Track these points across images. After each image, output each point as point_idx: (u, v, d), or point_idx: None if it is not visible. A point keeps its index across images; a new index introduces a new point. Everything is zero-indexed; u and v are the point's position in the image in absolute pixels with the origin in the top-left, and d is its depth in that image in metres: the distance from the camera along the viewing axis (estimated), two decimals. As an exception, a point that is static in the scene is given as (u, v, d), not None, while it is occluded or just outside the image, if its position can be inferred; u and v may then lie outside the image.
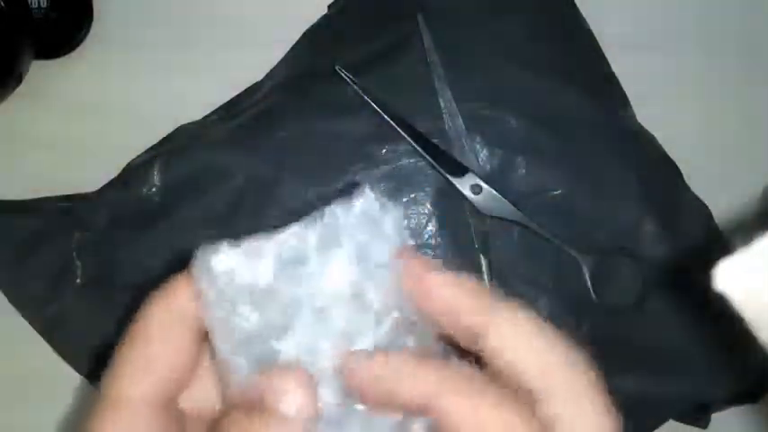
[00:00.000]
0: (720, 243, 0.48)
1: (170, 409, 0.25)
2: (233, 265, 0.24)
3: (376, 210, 0.25)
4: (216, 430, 0.23)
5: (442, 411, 0.23)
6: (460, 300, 0.24)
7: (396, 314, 0.24)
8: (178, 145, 0.49)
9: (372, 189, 0.25)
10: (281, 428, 0.22)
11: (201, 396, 0.26)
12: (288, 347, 0.24)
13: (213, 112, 0.51)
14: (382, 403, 0.23)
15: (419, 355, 0.24)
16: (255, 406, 0.23)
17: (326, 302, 0.24)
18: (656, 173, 0.48)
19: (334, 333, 0.24)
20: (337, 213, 0.24)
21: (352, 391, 0.24)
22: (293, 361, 0.24)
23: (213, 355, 0.25)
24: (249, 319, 0.24)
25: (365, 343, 0.24)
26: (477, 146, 0.47)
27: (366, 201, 0.25)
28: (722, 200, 0.49)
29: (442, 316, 0.25)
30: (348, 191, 0.25)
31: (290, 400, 0.22)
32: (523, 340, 0.24)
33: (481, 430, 0.22)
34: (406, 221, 0.25)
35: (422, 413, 0.23)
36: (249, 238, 0.25)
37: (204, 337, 0.25)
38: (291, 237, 0.24)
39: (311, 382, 0.23)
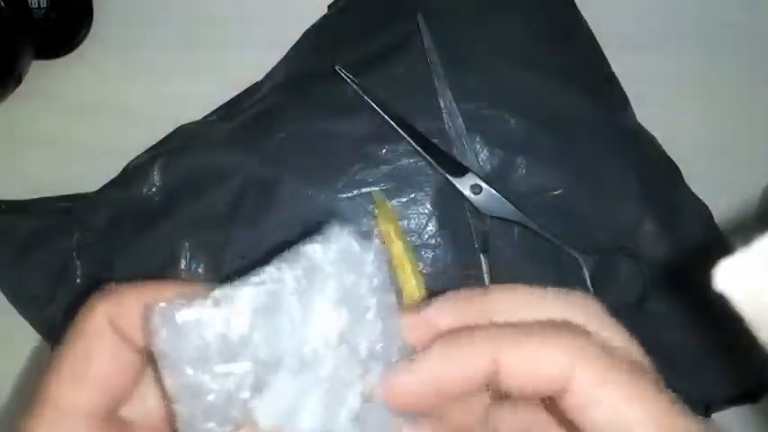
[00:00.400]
0: (720, 243, 0.48)
1: (111, 420, 0.24)
2: (201, 318, 0.21)
3: (355, 248, 0.22)
4: None
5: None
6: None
7: (382, 361, 0.22)
8: (178, 145, 0.49)
9: (342, 226, 0.22)
10: None
11: (146, 407, 0.25)
12: (265, 408, 0.21)
13: (213, 112, 0.51)
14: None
15: None
16: None
17: (309, 353, 0.22)
18: (656, 173, 0.48)
19: (319, 387, 0.22)
20: (314, 253, 0.22)
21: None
22: (269, 426, 0.21)
23: (170, 408, 0.22)
24: (220, 378, 0.21)
25: (353, 395, 0.22)
26: (477, 146, 0.47)
27: (341, 240, 0.22)
28: (722, 200, 0.49)
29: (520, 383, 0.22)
30: (317, 228, 0.22)
31: None
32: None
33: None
34: (381, 256, 0.22)
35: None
36: (217, 284, 0.22)
37: (150, 356, 0.23)
38: (267, 280, 0.22)
39: None
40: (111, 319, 0.23)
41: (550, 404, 0.23)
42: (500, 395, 0.23)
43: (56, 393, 0.23)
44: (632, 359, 0.23)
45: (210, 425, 0.21)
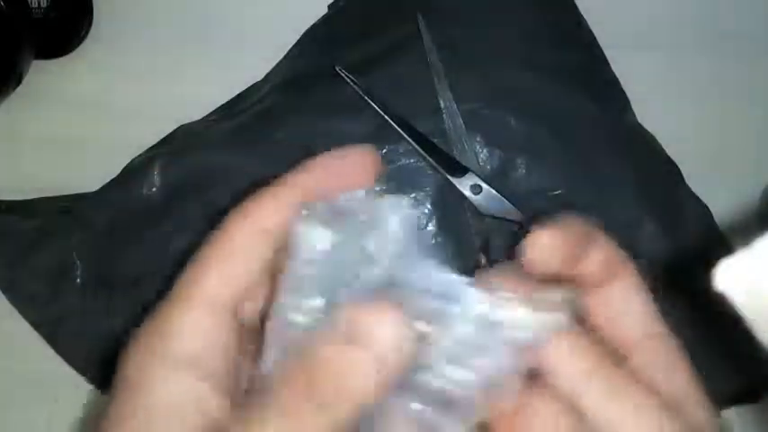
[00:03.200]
0: (720, 243, 0.48)
1: (235, 317, 0.24)
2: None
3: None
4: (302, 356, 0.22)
5: None
6: None
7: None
8: (178, 145, 0.49)
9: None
10: (374, 365, 0.20)
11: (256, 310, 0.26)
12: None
13: (213, 112, 0.51)
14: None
15: None
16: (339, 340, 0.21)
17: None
18: (656, 173, 0.48)
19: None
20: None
21: None
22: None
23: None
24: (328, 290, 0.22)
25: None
26: (477, 146, 0.47)
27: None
28: (722, 200, 0.49)
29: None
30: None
31: (387, 332, 0.20)
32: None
33: None
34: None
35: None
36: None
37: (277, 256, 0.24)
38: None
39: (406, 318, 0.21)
40: (250, 218, 0.25)
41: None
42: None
43: (202, 283, 0.24)
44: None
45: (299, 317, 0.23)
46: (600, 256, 0.25)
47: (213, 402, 0.23)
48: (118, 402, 0.23)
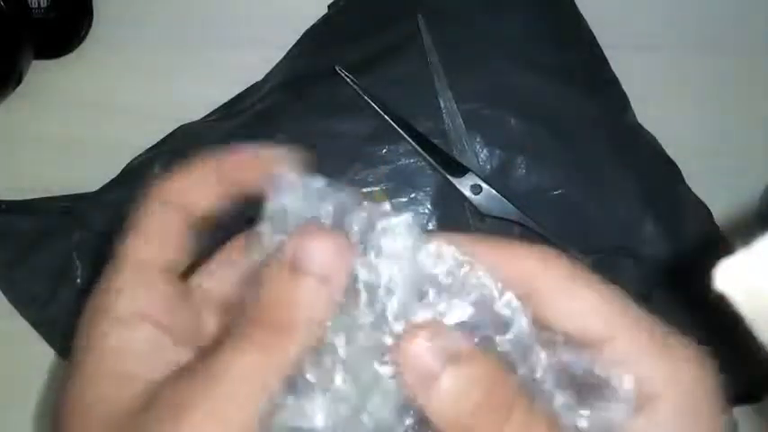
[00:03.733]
0: (720, 243, 0.48)
1: (174, 278, 0.27)
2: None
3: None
4: (248, 283, 0.23)
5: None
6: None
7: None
8: (178, 145, 0.49)
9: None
10: (315, 290, 0.22)
11: (212, 282, 0.28)
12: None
13: (213, 112, 0.51)
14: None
15: None
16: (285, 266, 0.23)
17: None
18: (656, 173, 0.48)
19: None
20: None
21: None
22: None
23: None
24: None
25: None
26: (477, 146, 0.47)
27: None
28: (722, 200, 0.49)
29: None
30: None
31: (325, 255, 0.22)
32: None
33: None
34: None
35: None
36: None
37: (202, 225, 0.27)
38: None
39: (351, 247, 0.23)
40: (178, 192, 0.27)
41: None
42: None
43: (133, 249, 0.26)
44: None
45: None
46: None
47: (171, 348, 0.25)
48: (78, 360, 0.25)
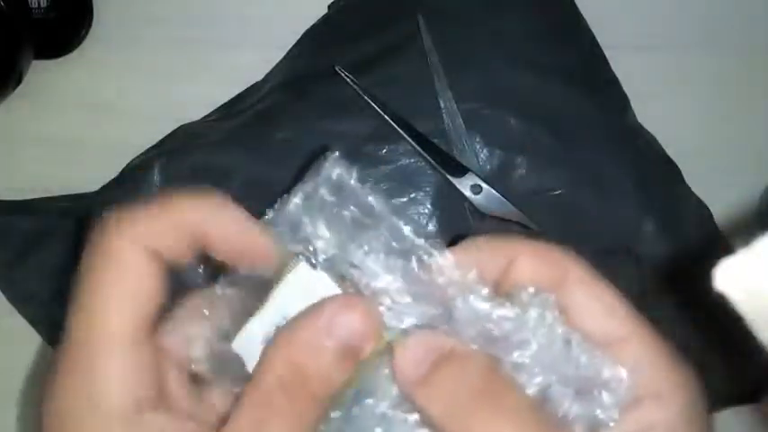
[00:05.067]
0: (720, 243, 0.48)
1: (142, 342, 0.24)
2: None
3: None
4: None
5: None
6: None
7: None
8: (178, 145, 0.49)
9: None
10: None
11: (174, 340, 0.25)
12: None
13: (213, 112, 0.51)
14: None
15: None
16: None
17: None
18: (656, 173, 0.48)
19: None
20: None
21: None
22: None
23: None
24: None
25: None
26: (477, 146, 0.47)
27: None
28: (722, 200, 0.49)
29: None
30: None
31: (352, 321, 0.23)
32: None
33: None
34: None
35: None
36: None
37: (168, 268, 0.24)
38: None
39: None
40: (136, 237, 0.24)
41: None
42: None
43: (103, 316, 0.23)
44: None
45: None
46: (530, 261, 0.25)
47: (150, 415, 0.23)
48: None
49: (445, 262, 0.24)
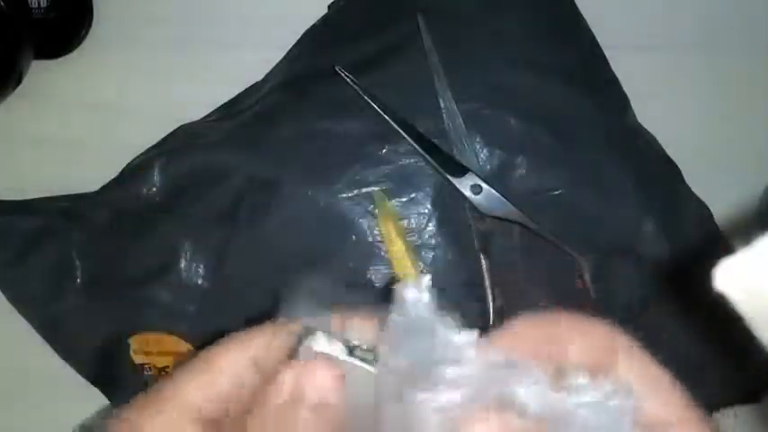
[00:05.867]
0: (720, 243, 0.48)
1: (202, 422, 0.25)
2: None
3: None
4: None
5: None
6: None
7: None
8: (178, 145, 0.49)
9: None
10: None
11: None
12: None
13: (213, 112, 0.51)
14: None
15: None
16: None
17: None
18: (656, 173, 0.48)
19: None
20: None
21: None
22: None
23: None
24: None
25: None
26: (477, 146, 0.47)
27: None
28: (722, 200, 0.49)
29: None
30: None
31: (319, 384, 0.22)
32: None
33: None
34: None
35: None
36: None
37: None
38: None
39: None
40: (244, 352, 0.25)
41: None
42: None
43: (181, 388, 0.25)
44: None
45: None
46: (586, 343, 0.25)
47: None
48: None
49: (496, 356, 0.23)
